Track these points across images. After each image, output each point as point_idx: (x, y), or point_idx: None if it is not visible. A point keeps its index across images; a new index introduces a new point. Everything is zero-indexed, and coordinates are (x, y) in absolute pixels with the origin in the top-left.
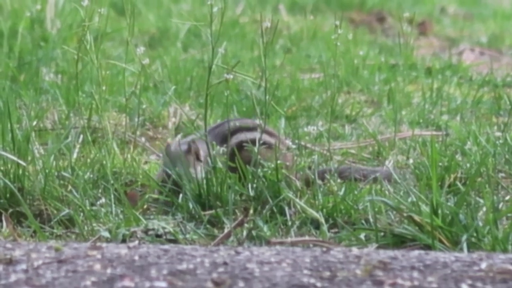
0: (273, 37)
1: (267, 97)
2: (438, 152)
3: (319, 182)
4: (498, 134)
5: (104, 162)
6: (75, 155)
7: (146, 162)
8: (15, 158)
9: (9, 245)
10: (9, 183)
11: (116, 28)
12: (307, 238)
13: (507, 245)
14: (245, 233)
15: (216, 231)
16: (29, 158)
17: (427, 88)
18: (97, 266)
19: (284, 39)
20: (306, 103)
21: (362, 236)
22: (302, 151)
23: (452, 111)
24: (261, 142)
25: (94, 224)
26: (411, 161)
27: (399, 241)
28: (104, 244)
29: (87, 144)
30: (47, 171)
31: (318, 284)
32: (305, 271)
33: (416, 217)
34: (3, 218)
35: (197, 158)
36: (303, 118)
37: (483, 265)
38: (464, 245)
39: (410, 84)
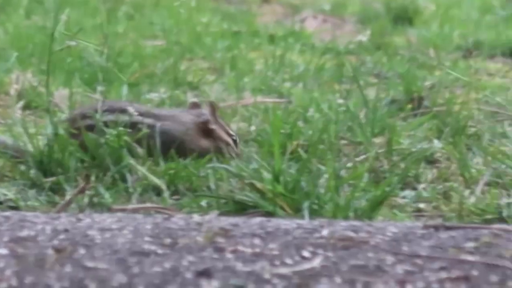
0: (116, 3)
1: (109, 63)
2: (280, 119)
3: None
4: (340, 101)
5: None
6: None
7: None
8: None
9: None
10: None
11: None
12: (148, 205)
13: (348, 212)
14: (86, 200)
15: (57, 198)
16: None
17: (270, 55)
18: None
19: (127, 6)
20: (148, 70)
21: (203, 203)
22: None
23: (294, 78)
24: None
25: None
26: (253, 128)
27: (241, 208)
28: None
29: None
30: None
31: (160, 251)
32: (146, 238)
33: (258, 184)
34: None
35: None
36: (145, 85)
37: (325, 232)
38: (306, 212)
39: (253, 51)
